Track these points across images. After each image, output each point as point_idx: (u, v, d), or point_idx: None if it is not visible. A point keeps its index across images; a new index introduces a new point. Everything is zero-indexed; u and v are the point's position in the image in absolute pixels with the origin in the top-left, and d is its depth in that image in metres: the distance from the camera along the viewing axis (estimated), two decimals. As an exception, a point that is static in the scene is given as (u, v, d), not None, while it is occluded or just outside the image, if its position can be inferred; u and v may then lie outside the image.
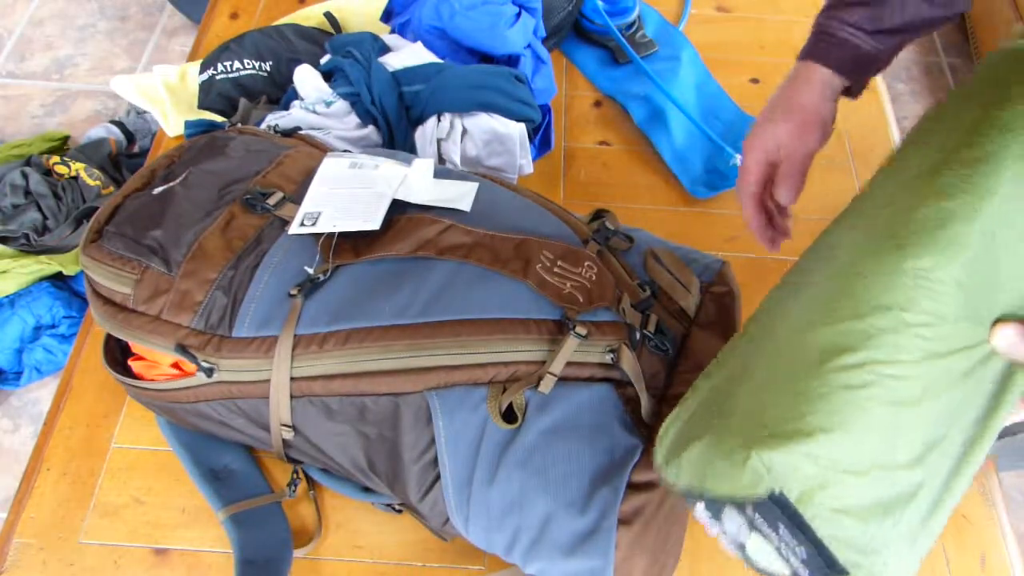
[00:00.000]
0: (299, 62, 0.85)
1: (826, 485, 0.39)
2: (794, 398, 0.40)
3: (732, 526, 0.41)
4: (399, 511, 0.64)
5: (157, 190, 0.66)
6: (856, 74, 0.61)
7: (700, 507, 0.43)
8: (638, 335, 0.57)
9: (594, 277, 0.59)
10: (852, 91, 0.63)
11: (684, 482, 0.43)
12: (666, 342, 0.58)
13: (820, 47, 0.61)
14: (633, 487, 0.51)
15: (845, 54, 0.60)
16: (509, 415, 0.54)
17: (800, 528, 0.39)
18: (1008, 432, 1.04)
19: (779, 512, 0.39)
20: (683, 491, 0.44)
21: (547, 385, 0.54)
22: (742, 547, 0.42)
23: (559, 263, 0.59)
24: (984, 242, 0.40)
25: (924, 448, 0.40)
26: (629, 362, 0.55)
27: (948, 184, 0.41)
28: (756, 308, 0.50)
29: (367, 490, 0.64)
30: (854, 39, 0.59)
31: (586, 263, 0.60)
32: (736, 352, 0.47)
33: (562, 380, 0.54)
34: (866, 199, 0.47)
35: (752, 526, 0.40)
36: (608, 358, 0.55)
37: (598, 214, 0.67)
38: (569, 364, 0.55)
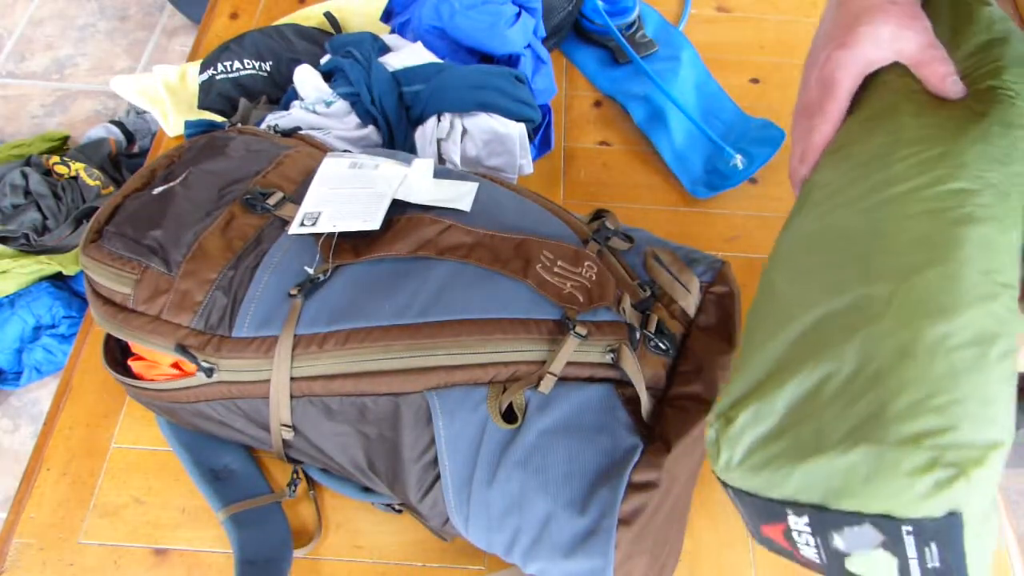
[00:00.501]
0: (299, 62, 0.85)
1: (992, 502, 0.36)
2: (976, 389, 0.35)
3: (849, 543, 0.36)
4: (399, 511, 0.64)
5: (157, 190, 0.66)
6: None
7: (799, 522, 0.37)
8: (638, 335, 0.57)
9: (594, 277, 0.59)
10: None
11: (786, 494, 0.37)
12: (666, 342, 0.58)
13: None
14: (633, 487, 0.51)
15: None
16: (509, 415, 0.54)
17: (954, 544, 0.35)
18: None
19: (946, 531, 0.34)
20: (775, 502, 0.38)
21: (547, 385, 0.54)
22: (839, 559, 0.37)
23: (559, 263, 0.59)
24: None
25: None
26: (629, 362, 0.55)
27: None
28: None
29: (367, 490, 0.64)
30: None
31: (586, 263, 0.60)
32: (834, 331, 0.39)
33: (562, 380, 0.54)
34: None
35: (888, 544, 0.35)
36: (608, 358, 0.55)
37: (598, 214, 0.67)
38: (569, 364, 0.55)
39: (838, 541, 0.36)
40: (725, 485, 0.40)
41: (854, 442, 0.35)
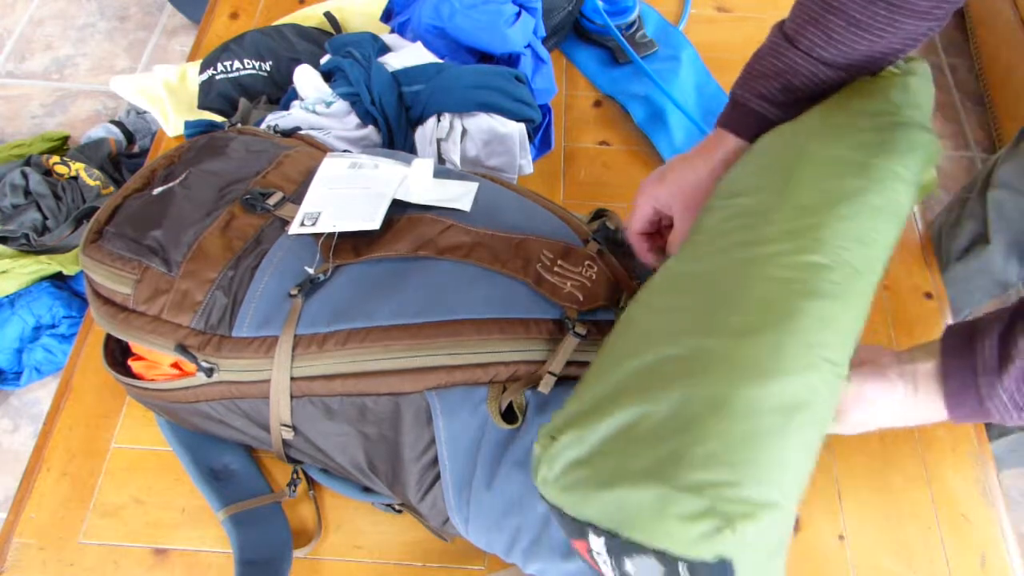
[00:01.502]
0: (299, 62, 0.85)
1: (773, 554, 0.39)
2: (759, 454, 0.39)
3: (638, 569, 0.39)
4: (399, 511, 0.64)
5: (157, 190, 0.66)
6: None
7: (597, 542, 0.40)
8: None
9: (594, 276, 0.59)
10: None
11: (587, 515, 0.40)
12: None
13: (733, 117, 0.61)
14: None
15: (758, 125, 0.60)
16: (509, 415, 0.54)
17: None
18: (1008, 431, 1.04)
19: (718, 575, 0.38)
20: (577, 521, 0.40)
21: (547, 385, 0.53)
22: None
23: (559, 262, 0.59)
24: None
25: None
26: None
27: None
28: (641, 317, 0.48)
29: (367, 490, 0.64)
30: (765, 112, 0.59)
31: (586, 262, 0.60)
32: (662, 375, 0.43)
33: (563, 380, 0.54)
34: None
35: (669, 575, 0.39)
36: None
37: (598, 214, 0.67)
38: (570, 364, 0.55)
39: (629, 566, 0.39)
40: (542, 498, 0.42)
41: (647, 481, 0.38)
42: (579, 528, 0.41)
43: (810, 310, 0.44)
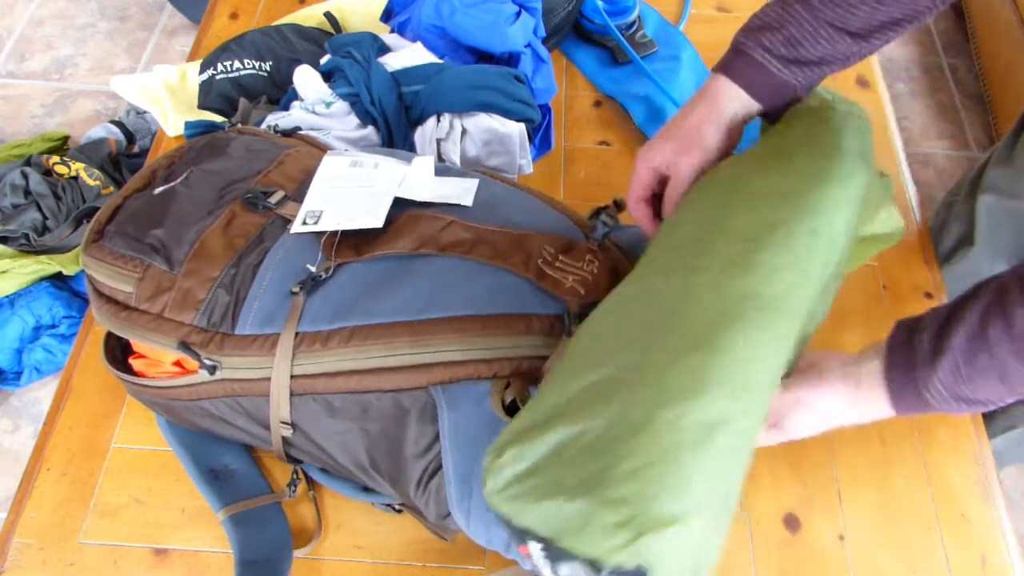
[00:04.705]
0: (299, 62, 0.85)
1: (700, 565, 0.42)
2: (677, 468, 0.42)
3: (573, 573, 0.42)
4: (399, 511, 0.64)
5: (158, 190, 0.66)
6: (771, 100, 0.61)
7: (536, 548, 0.43)
8: None
9: (596, 270, 0.59)
10: (769, 116, 0.63)
11: (527, 524, 0.43)
12: None
13: (733, 63, 0.61)
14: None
15: (758, 77, 0.60)
16: (513, 409, 0.54)
17: None
18: (1009, 426, 1.04)
19: None
20: (518, 529, 0.43)
21: None
22: None
23: (560, 257, 0.59)
24: None
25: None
26: None
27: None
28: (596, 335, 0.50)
29: (367, 490, 0.64)
30: (768, 65, 0.59)
31: (587, 256, 0.60)
32: (599, 395, 0.46)
33: None
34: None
35: None
36: None
37: (598, 211, 0.68)
38: None
39: (564, 570, 0.42)
40: (489, 507, 0.46)
41: (577, 494, 0.42)
42: (520, 535, 0.44)
43: (742, 330, 0.46)
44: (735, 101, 0.60)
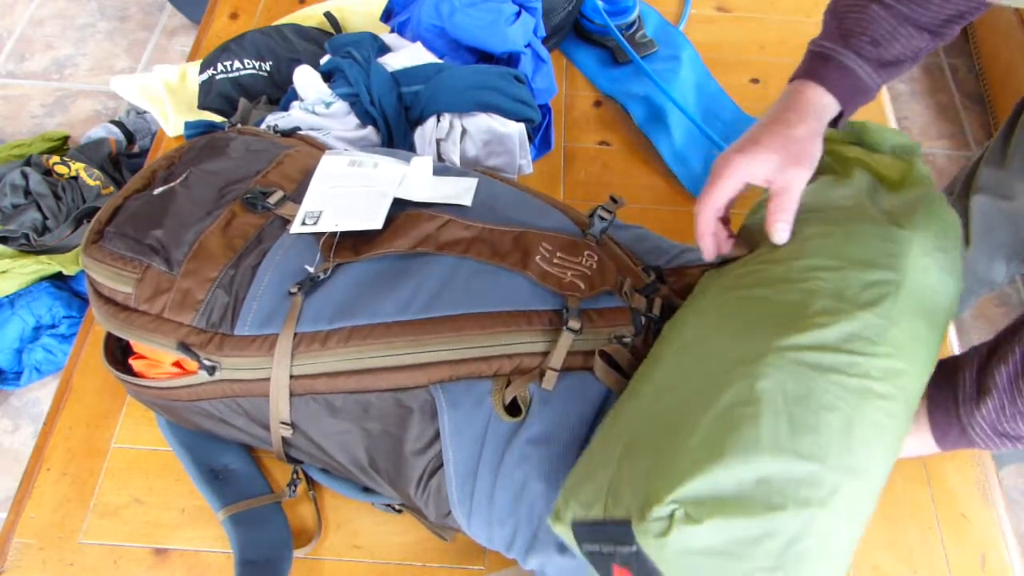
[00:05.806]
0: (299, 62, 0.85)
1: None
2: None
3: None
4: (399, 511, 0.64)
5: (158, 190, 0.66)
6: (851, 106, 0.60)
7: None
8: (643, 319, 0.57)
9: (595, 265, 0.59)
10: (837, 123, 0.61)
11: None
12: None
13: (820, 70, 0.58)
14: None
15: (846, 82, 0.58)
16: (513, 408, 0.54)
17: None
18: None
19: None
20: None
21: (549, 381, 0.54)
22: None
23: (559, 254, 0.59)
24: None
25: None
26: (624, 357, 0.55)
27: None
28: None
29: (367, 490, 0.64)
30: (859, 69, 0.58)
31: (586, 252, 0.60)
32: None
33: (568, 371, 0.54)
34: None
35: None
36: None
37: (597, 209, 0.68)
38: (574, 354, 0.55)
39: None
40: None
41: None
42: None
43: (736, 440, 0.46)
44: (830, 108, 0.59)
